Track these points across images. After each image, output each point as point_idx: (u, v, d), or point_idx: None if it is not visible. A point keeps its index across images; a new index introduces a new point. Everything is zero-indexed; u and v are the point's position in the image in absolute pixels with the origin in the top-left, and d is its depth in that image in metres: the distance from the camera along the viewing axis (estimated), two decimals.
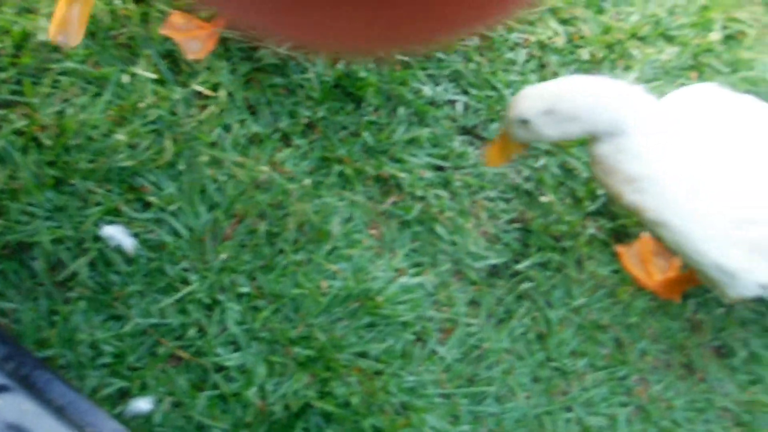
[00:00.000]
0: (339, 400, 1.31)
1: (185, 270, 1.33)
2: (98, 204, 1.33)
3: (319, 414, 1.30)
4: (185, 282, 1.32)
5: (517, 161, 1.66)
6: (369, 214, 1.49)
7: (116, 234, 1.30)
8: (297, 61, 1.57)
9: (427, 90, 1.65)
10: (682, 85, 1.87)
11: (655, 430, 1.48)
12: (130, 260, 1.31)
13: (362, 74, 1.59)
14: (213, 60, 1.51)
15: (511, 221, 1.59)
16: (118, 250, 1.31)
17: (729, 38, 2.01)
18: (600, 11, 1.90)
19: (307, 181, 1.46)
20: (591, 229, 1.62)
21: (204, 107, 1.47)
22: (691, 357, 1.58)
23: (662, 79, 1.87)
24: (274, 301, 1.35)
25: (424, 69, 1.67)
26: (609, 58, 1.84)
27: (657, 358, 1.56)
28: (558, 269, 1.57)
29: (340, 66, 1.58)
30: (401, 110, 1.60)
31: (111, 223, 1.32)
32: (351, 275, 1.39)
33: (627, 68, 1.84)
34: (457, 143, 1.63)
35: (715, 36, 1.96)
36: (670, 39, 1.93)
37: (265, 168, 1.45)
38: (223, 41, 1.52)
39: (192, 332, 1.29)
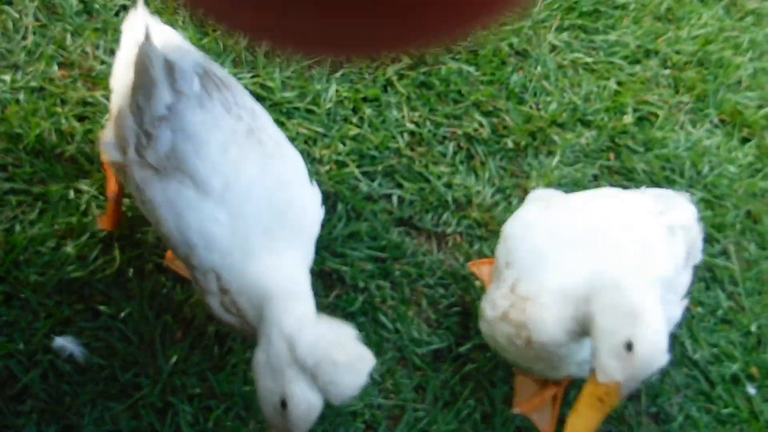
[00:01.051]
0: None
1: (137, 375, 1.38)
2: (49, 316, 1.39)
3: None
4: (137, 387, 1.37)
5: (452, 247, 1.77)
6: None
7: (67, 344, 1.35)
8: None
9: (363, 186, 1.76)
10: (602, 166, 2.03)
11: None
12: (81, 369, 1.36)
13: None
14: None
15: (451, 306, 1.68)
16: (70, 359, 1.35)
17: (641, 120, 2.18)
18: (521, 102, 2.05)
19: None
20: None
21: None
22: (630, 425, 1.66)
23: (583, 161, 2.02)
24: (225, 400, 1.40)
25: (359, 167, 1.78)
26: (532, 145, 1.98)
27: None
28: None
29: None
30: (340, 206, 1.70)
31: (62, 333, 1.37)
32: None
33: (549, 153, 1.99)
34: (395, 235, 1.73)
35: (628, 119, 2.13)
36: (587, 124, 2.10)
37: None
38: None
39: None
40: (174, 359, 1.40)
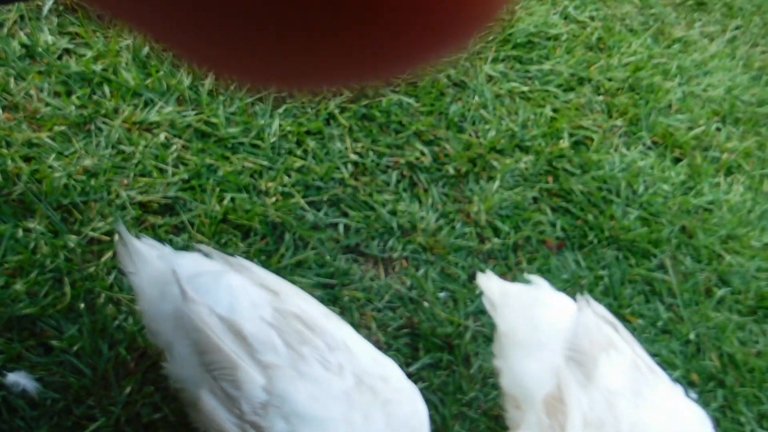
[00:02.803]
0: None
1: (91, 408, 1.42)
2: (0, 353, 1.43)
3: None
4: (92, 419, 1.41)
5: (399, 272, 1.85)
6: None
7: (20, 380, 1.39)
8: (184, 201, 1.74)
9: (310, 216, 1.84)
10: (542, 189, 2.14)
11: None
12: (35, 404, 1.40)
13: (248, 206, 1.78)
14: (105, 207, 1.65)
15: (400, 328, 1.76)
16: (23, 394, 1.39)
17: (577, 144, 2.31)
18: (460, 131, 2.17)
19: None
20: (473, 326, 1.81)
21: (100, 252, 1.61)
22: None
23: (522, 185, 2.14)
24: (179, 429, 1.45)
25: (305, 197, 1.86)
26: (473, 171, 2.09)
27: None
28: (447, 367, 1.74)
29: (227, 201, 1.76)
30: (287, 236, 1.78)
31: (14, 369, 1.41)
32: None
33: (490, 178, 2.10)
34: (342, 261, 1.81)
35: (564, 143, 2.26)
36: (525, 149, 2.22)
37: None
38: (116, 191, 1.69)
39: None
40: (128, 390, 1.45)
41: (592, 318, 1.37)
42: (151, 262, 1.23)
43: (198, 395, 1.13)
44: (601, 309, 1.45)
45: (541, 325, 1.40)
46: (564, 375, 1.31)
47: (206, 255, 1.31)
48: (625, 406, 1.28)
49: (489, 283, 1.54)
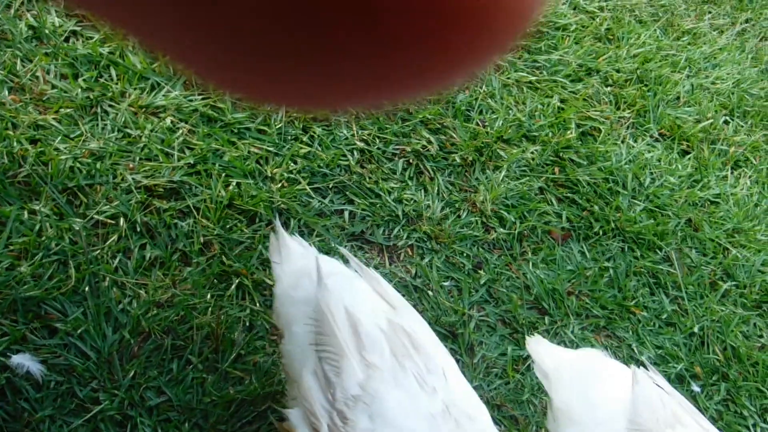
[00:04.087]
0: None
1: (95, 390, 1.43)
2: (4, 335, 1.43)
3: None
4: (95, 402, 1.42)
5: (404, 260, 1.86)
6: (269, 322, 1.64)
7: (24, 362, 1.40)
8: (190, 186, 1.74)
9: (315, 202, 1.84)
10: (548, 179, 2.15)
11: None
12: (39, 386, 1.41)
13: (254, 192, 1.78)
14: (111, 190, 1.66)
15: None
16: (27, 377, 1.40)
17: (584, 135, 2.31)
18: (467, 120, 2.17)
19: (209, 296, 1.61)
20: (477, 316, 1.82)
21: (105, 235, 1.61)
22: None
23: (529, 175, 2.14)
24: (184, 413, 1.46)
25: (311, 184, 1.87)
26: (479, 160, 2.09)
27: None
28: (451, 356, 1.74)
29: (233, 187, 1.77)
30: (292, 222, 1.79)
31: (18, 351, 1.42)
32: (256, 380, 1.52)
33: (496, 168, 2.10)
34: (347, 248, 1.81)
35: (571, 134, 2.26)
36: (532, 139, 2.22)
37: (167, 287, 1.59)
38: (121, 170, 1.69)
39: None
40: (132, 373, 1.46)
41: (652, 390, 1.33)
42: (295, 257, 1.33)
43: (301, 373, 1.19)
44: (659, 378, 1.41)
45: (598, 401, 1.35)
46: None
47: (345, 260, 1.40)
48: None
49: (539, 348, 1.49)
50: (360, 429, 1.13)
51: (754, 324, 2.11)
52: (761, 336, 2.09)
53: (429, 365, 1.22)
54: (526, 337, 1.55)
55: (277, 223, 1.42)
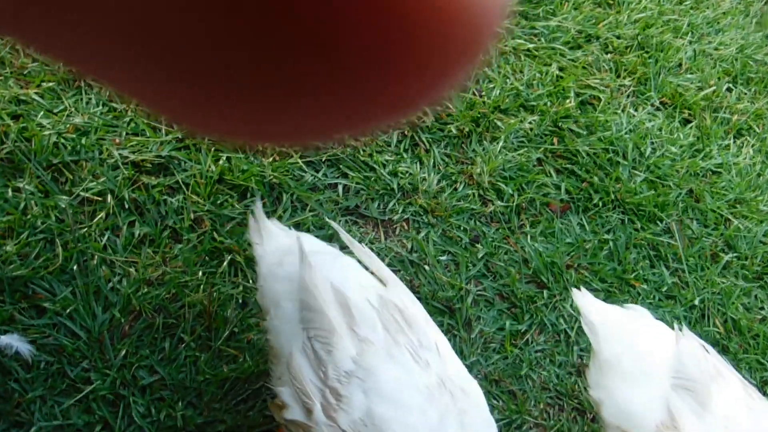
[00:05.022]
0: None
1: (86, 370, 1.44)
2: None
3: None
4: (87, 381, 1.43)
5: (399, 234, 1.86)
6: None
7: (13, 342, 1.41)
8: (179, 160, 1.74)
9: (308, 176, 1.84)
10: (546, 150, 2.15)
11: None
12: (29, 366, 1.42)
13: (245, 167, 1.78)
14: (97, 166, 1.66)
15: None
16: (16, 357, 1.41)
17: (583, 104, 2.31)
18: (463, 89, 2.16)
19: (200, 273, 1.61)
20: (474, 291, 1.83)
21: (92, 212, 1.61)
22: (580, 400, 1.78)
23: (527, 146, 2.14)
24: (177, 391, 1.47)
25: (303, 157, 1.87)
26: (476, 131, 2.09)
27: (549, 404, 1.75)
28: (448, 331, 1.75)
29: (223, 161, 1.76)
30: (285, 197, 1.79)
31: (6, 332, 1.43)
32: (250, 358, 1.53)
33: (493, 139, 2.10)
34: (342, 224, 1.82)
35: (570, 103, 2.26)
36: (530, 109, 2.22)
37: (158, 264, 1.59)
38: (108, 148, 1.68)
39: (98, 429, 1.40)
40: (123, 352, 1.47)
41: (696, 345, 1.39)
42: (276, 237, 1.34)
43: (290, 351, 1.20)
44: (699, 339, 1.46)
45: (646, 354, 1.41)
46: (676, 403, 1.34)
47: (336, 232, 1.41)
48: (742, 428, 1.30)
49: (585, 301, 1.53)
50: (355, 405, 1.15)
51: (755, 296, 2.12)
52: (762, 308, 2.10)
53: (422, 340, 1.23)
54: (572, 290, 1.56)
55: (258, 205, 1.41)
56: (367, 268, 1.32)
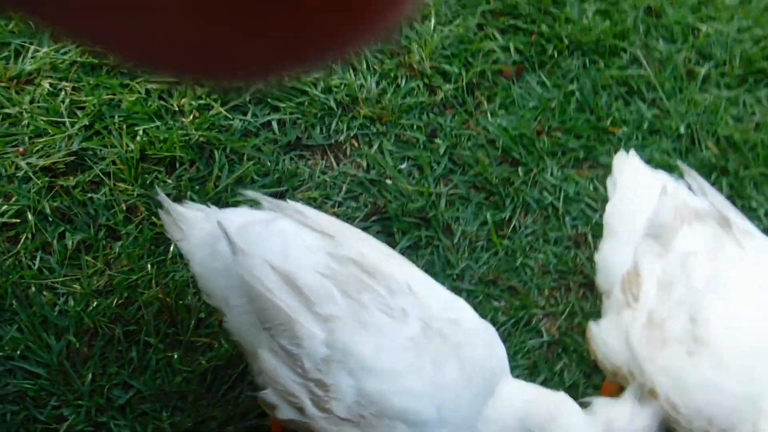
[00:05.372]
0: None
1: (56, 407, 1.34)
2: None
3: None
4: (61, 419, 1.34)
5: (351, 155, 1.72)
6: None
7: None
8: (93, 150, 1.59)
9: (237, 123, 1.69)
10: (484, 12, 1.96)
11: (575, 358, 1.57)
12: None
13: (164, 135, 1.62)
14: (6, 184, 1.51)
15: (367, 217, 1.65)
16: None
17: None
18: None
19: (149, 266, 1.49)
20: (445, 191, 1.69)
21: (14, 237, 1.48)
22: (585, 273, 1.67)
23: (461, 14, 1.96)
24: (158, 400, 1.37)
25: (225, 104, 1.70)
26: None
27: (554, 288, 1.65)
28: (429, 244, 1.64)
29: (141, 136, 1.61)
30: (217, 154, 1.64)
31: None
32: (225, 341, 1.43)
33: (424, 18, 1.92)
34: (287, 162, 1.67)
35: None
36: None
37: (101, 271, 1.47)
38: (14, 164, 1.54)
39: None
40: (90, 377, 1.37)
41: (679, 196, 1.32)
42: (198, 225, 1.21)
43: (256, 353, 1.12)
44: (702, 181, 1.39)
45: (639, 213, 1.33)
46: (640, 250, 1.28)
47: (255, 203, 1.28)
48: (700, 261, 1.23)
49: (622, 162, 1.46)
50: (344, 390, 1.07)
51: (743, 102, 1.97)
52: (753, 113, 1.96)
53: (390, 286, 1.13)
54: (617, 154, 1.48)
55: (162, 196, 1.27)
56: (306, 226, 1.19)
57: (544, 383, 1.49)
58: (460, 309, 1.19)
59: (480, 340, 1.17)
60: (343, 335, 1.07)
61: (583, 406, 1.10)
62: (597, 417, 1.06)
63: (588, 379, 1.53)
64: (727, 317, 1.16)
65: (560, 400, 1.10)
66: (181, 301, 1.46)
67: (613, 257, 1.36)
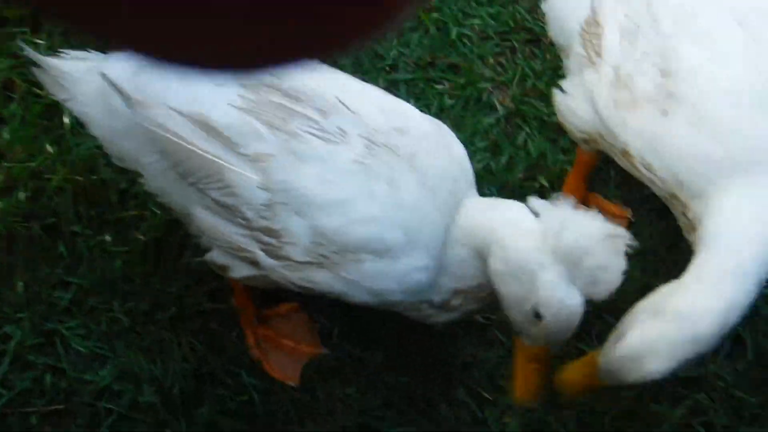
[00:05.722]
0: None
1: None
2: None
3: None
4: (6, 338, 1.22)
5: None
6: None
7: None
8: None
9: None
10: None
11: (536, 125, 1.45)
12: None
13: None
14: None
15: None
16: None
17: None
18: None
19: (47, 146, 1.31)
20: None
21: None
22: (527, 26, 1.51)
23: None
24: (104, 289, 1.25)
25: None
26: None
27: (498, 53, 1.49)
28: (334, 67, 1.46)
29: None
30: None
31: None
32: (155, 206, 1.29)
33: None
34: None
35: None
36: None
37: None
38: None
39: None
40: (21, 285, 1.24)
41: None
42: (83, 79, 1.05)
43: (189, 213, 1.02)
44: None
45: None
46: None
47: None
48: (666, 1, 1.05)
49: None
50: (297, 232, 0.97)
51: None
52: None
53: (320, 107, 0.99)
54: None
55: (30, 52, 1.09)
56: None
57: (510, 161, 1.38)
58: (405, 114, 1.05)
59: (434, 143, 1.04)
60: (280, 173, 0.96)
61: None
62: (546, 224, 0.94)
63: (554, 143, 1.42)
64: (701, 65, 1.02)
65: (510, 208, 0.99)
66: (94, 176, 1.30)
67: (564, 3, 1.18)
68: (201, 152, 0.96)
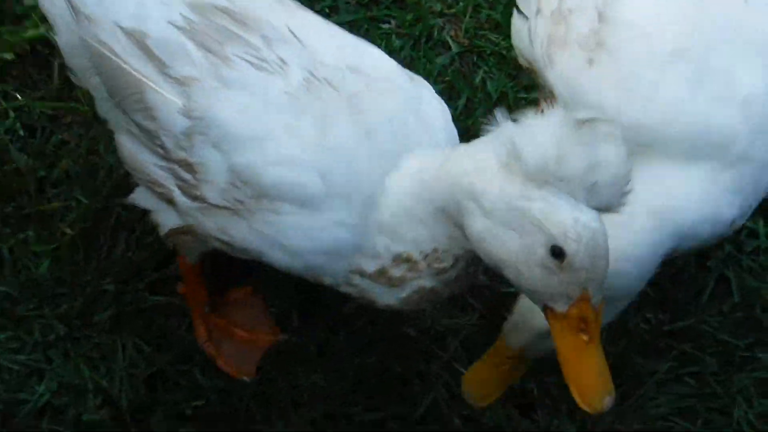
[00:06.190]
0: None
1: None
2: None
3: None
4: None
5: None
6: None
7: None
8: None
9: None
10: None
11: (494, 61, 1.32)
12: None
13: None
14: None
15: None
16: None
17: None
18: None
19: None
20: None
21: None
22: None
23: None
24: (33, 294, 1.14)
25: None
26: None
27: None
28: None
29: None
30: None
31: None
32: (81, 195, 1.15)
33: None
34: None
35: None
36: None
37: None
38: None
39: None
40: None
41: None
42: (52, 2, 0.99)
43: (117, 140, 0.97)
44: None
45: None
46: None
47: None
48: None
49: None
50: (213, 169, 0.89)
51: None
52: None
53: (267, 35, 0.92)
54: None
55: None
56: None
57: (469, 104, 1.27)
58: (363, 53, 0.96)
59: (392, 87, 0.93)
60: (203, 99, 0.89)
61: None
62: (498, 151, 0.80)
63: (515, 80, 1.30)
64: (639, 20, 0.90)
65: (466, 153, 0.84)
66: (6, 167, 1.17)
67: None
68: (128, 68, 0.90)
